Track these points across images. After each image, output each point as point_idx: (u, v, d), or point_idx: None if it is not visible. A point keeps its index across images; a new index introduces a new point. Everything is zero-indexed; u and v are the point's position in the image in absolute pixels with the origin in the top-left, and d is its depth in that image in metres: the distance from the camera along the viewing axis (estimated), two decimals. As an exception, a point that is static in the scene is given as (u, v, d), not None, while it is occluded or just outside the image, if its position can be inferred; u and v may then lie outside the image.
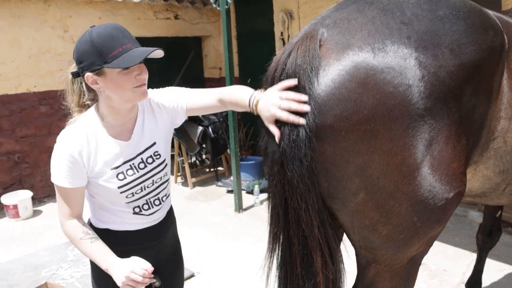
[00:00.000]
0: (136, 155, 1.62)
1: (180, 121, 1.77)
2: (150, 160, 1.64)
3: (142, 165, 1.62)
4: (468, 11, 1.44)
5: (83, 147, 1.51)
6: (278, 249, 1.49)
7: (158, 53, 1.47)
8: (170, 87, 1.78)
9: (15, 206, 5.09)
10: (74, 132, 1.53)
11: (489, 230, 2.83)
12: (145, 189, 1.65)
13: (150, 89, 1.67)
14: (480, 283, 2.99)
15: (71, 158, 1.49)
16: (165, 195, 1.75)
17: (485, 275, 3.04)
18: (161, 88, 1.76)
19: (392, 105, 1.25)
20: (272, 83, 1.39)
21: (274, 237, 1.49)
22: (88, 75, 1.44)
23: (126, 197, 1.61)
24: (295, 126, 1.30)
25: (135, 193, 1.62)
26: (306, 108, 1.28)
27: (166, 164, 1.72)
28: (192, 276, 3.59)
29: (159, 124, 1.69)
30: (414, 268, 1.52)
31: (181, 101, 1.72)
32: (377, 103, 1.25)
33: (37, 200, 5.60)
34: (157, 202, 1.71)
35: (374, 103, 1.25)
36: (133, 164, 1.60)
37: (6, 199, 5.13)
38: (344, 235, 1.57)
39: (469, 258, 3.64)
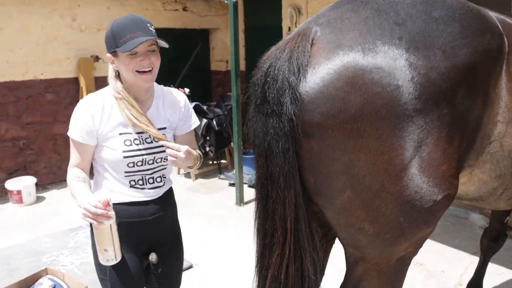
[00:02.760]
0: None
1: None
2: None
3: (149, 140, 1.81)
4: (465, 13, 1.43)
5: (96, 111, 1.74)
6: (258, 239, 1.54)
7: (162, 43, 1.71)
8: (195, 114, 2.02)
9: (19, 192, 5.15)
10: (93, 97, 1.79)
11: (496, 235, 2.82)
12: (145, 164, 1.81)
13: (184, 95, 1.98)
14: (481, 287, 2.99)
15: (83, 117, 1.73)
16: (160, 176, 1.89)
17: (484, 278, 3.04)
18: (191, 105, 2.01)
19: (379, 105, 1.25)
20: (260, 77, 1.41)
21: (257, 228, 1.54)
22: (108, 55, 1.74)
23: (127, 165, 1.77)
24: (281, 120, 1.32)
25: (136, 164, 1.79)
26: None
27: None
28: (190, 267, 3.62)
29: (172, 118, 1.91)
30: (402, 268, 1.52)
31: (183, 128, 1.95)
32: (365, 102, 1.25)
33: (40, 186, 5.65)
34: (151, 180, 1.86)
35: (361, 102, 1.25)
36: (141, 136, 1.79)
37: (10, 185, 5.20)
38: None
39: (468, 260, 3.63)
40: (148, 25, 1.68)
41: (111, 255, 1.65)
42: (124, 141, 1.76)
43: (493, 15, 1.59)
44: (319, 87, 1.29)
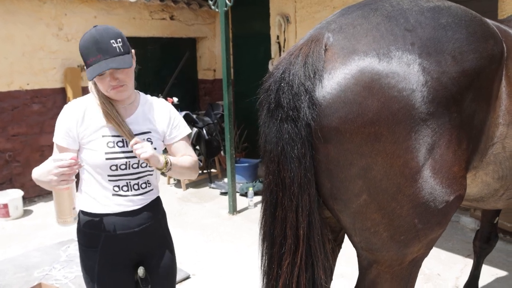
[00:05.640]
0: None
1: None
2: None
3: None
4: (470, 20, 1.49)
5: (79, 114, 1.76)
6: (264, 248, 1.52)
7: (126, 63, 1.65)
8: (183, 121, 1.97)
9: (5, 206, 5.03)
10: (76, 101, 1.81)
11: (487, 236, 2.88)
12: (129, 168, 1.79)
13: (169, 104, 1.96)
14: (477, 288, 3.03)
15: (66, 122, 1.75)
16: (145, 182, 1.86)
17: (479, 279, 3.07)
18: (178, 113, 1.98)
19: (396, 109, 1.28)
20: (274, 82, 1.40)
21: (263, 236, 1.52)
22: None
23: (110, 168, 1.75)
24: (297, 125, 1.32)
25: (119, 167, 1.77)
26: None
27: None
28: (187, 278, 3.58)
29: (159, 124, 1.88)
30: (414, 270, 1.54)
31: (172, 138, 1.92)
32: (382, 106, 1.28)
33: (27, 199, 5.53)
34: (136, 187, 1.83)
35: (378, 107, 1.28)
36: (124, 139, 1.77)
37: (-4, 198, 5.07)
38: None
39: (462, 263, 3.68)
40: (112, 41, 1.63)
41: (70, 219, 1.72)
42: (107, 143, 1.74)
43: (490, 21, 1.66)
44: (337, 92, 1.30)
